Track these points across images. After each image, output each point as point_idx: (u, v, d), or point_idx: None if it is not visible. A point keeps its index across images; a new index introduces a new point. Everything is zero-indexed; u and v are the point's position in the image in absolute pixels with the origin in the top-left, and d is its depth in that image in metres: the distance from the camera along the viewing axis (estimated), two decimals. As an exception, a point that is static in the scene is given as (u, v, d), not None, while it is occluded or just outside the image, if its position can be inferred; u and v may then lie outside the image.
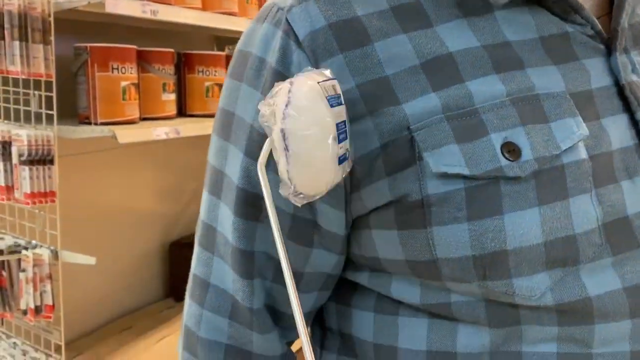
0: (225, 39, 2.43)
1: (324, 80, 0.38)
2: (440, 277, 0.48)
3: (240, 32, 2.15)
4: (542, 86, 0.47)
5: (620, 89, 0.50)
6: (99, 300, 2.10)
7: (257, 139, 0.49)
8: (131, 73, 1.63)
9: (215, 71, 1.93)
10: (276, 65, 0.48)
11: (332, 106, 0.37)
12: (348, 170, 0.40)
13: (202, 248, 0.58)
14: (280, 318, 0.55)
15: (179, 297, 2.34)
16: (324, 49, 0.46)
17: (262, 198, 0.44)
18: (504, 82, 0.46)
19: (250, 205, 0.51)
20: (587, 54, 0.51)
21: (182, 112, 1.88)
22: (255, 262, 0.52)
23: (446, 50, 0.47)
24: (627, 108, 0.50)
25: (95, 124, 1.55)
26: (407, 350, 0.51)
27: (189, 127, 1.73)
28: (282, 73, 0.47)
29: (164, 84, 1.75)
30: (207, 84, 1.91)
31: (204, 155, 2.12)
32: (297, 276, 0.51)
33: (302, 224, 0.52)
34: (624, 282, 0.47)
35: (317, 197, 0.40)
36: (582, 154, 0.45)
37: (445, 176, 0.44)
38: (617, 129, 0.49)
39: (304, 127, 0.36)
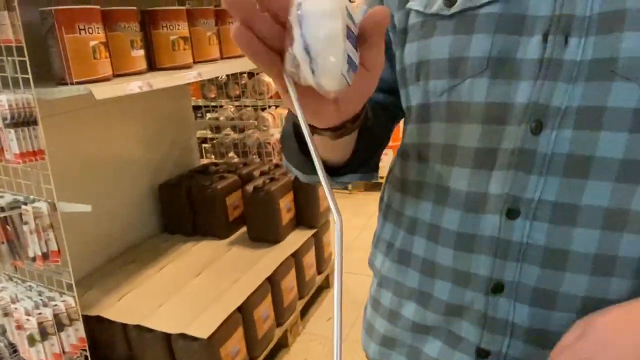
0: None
1: None
2: (405, 84, 0.63)
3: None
4: None
5: None
6: (102, 240, 2.09)
7: None
8: (98, 33, 1.54)
9: (179, 25, 1.83)
10: None
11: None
12: (352, 79, 0.40)
13: None
14: None
15: (173, 231, 2.35)
16: None
17: None
18: None
19: None
20: None
21: (152, 66, 1.80)
22: None
23: None
24: None
25: (71, 83, 1.49)
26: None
27: (160, 80, 1.65)
28: None
29: (132, 41, 1.66)
30: (172, 37, 1.81)
31: (176, 104, 2.07)
32: None
33: None
34: (489, 95, 0.54)
35: (332, 92, 0.40)
36: (495, 8, 0.53)
37: (410, 11, 0.60)
38: (538, 2, 0.52)
39: (322, 8, 0.37)
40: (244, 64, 2.16)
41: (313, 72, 0.38)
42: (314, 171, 0.47)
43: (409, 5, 0.60)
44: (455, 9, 0.55)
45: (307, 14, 0.37)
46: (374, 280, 0.74)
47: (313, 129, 0.50)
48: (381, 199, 0.73)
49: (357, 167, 0.63)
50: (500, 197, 0.54)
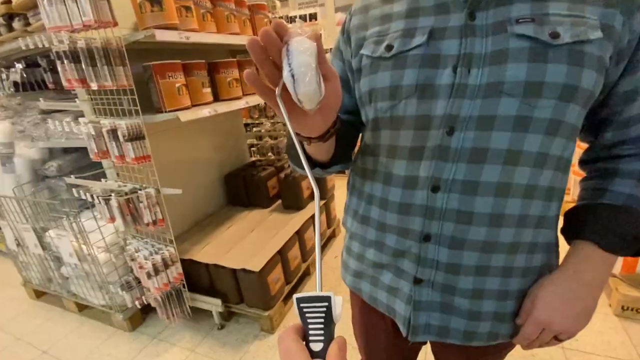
0: (236, 50, 2.27)
1: (307, 37, 0.38)
2: (363, 105, 0.62)
3: (243, 47, 1.99)
4: (421, 24, 0.54)
5: (461, 29, 0.51)
6: (189, 211, 2.10)
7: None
8: (181, 78, 1.53)
9: (232, 71, 1.81)
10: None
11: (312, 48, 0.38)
12: (324, 92, 0.41)
13: None
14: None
15: (234, 204, 2.36)
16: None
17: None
18: (406, 23, 0.55)
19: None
20: (456, 9, 0.52)
21: (216, 98, 1.78)
22: None
23: (390, 10, 0.58)
24: (461, 35, 0.51)
25: (165, 111, 1.47)
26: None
27: (222, 107, 1.64)
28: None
29: (202, 82, 1.65)
30: (228, 79, 1.79)
31: (232, 123, 2.06)
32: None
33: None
34: (418, 110, 0.53)
35: (315, 107, 0.40)
36: (419, 51, 0.52)
37: (363, 56, 0.58)
38: (450, 45, 0.51)
39: (302, 60, 0.37)
40: (276, 95, 2.13)
41: (296, 91, 0.37)
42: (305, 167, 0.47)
43: (362, 52, 0.59)
44: (392, 52, 0.54)
45: (292, 50, 0.37)
46: (346, 235, 0.73)
47: (308, 139, 0.52)
48: (348, 181, 0.72)
49: (338, 161, 0.62)
50: (427, 178, 0.53)
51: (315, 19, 2.83)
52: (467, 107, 0.49)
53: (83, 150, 1.92)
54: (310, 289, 2.01)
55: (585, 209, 0.56)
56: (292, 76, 0.37)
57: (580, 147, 0.62)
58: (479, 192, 0.51)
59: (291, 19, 2.91)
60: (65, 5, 1.23)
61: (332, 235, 2.58)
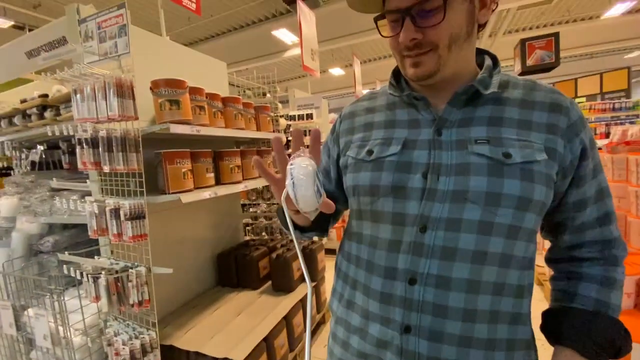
0: (240, 142, 2.48)
1: (308, 157, 0.46)
2: (349, 196, 0.67)
3: (247, 139, 2.18)
4: (397, 135, 0.62)
5: (430, 142, 0.59)
6: (177, 291, 2.02)
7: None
8: (187, 164, 1.63)
9: (235, 159, 1.94)
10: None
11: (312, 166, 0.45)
12: (322, 199, 0.47)
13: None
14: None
15: (224, 284, 2.28)
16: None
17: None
18: (384, 132, 0.63)
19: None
20: (425, 125, 0.60)
21: (218, 182, 1.88)
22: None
23: (372, 119, 0.66)
24: (430, 147, 0.58)
25: (169, 193, 1.54)
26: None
27: (222, 190, 1.73)
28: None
29: (207, 168, 1.76)
30: (230, 166, 1.91)
31: (231, 203, 2.13)
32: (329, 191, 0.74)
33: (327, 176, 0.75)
34: (394, 208, 0.58)
35: (313, 211, 0.47)
36: (394, 158, 0.59)
37: (349, 157, 0.66)
38: (420, 155, 0.58)
39: (301, 172, 0.44)
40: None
41: (297, 200, 0.44)
42: (294, 231, 0.56)
43: (348, 153, 0.67)
44: (372, 157, 0.61)
45: (294, 167, 0.44)
46: (332, 319, 0.73)
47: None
48: (336, 263, 0.74)
49: (315, 229, 0.70)
50: (405, 271, 0.56)
51: (312, 118, 3.17)
52: (437, 209, 0.54)
53: (82, 227, 1.93)
54: (296, 385, 1.82)
55: (560, 312, 0.59)
56: (294, 188, 0.44)
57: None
58: (451, 287, 0.53)
59: (291, 117, 3.24)
60: (95, 102, 1.41)
61: (322, 321, 2.44)
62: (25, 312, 1.71)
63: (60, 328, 1.56)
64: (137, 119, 1.42)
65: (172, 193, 1.54)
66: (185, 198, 1.49)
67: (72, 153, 1.96)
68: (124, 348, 1.42)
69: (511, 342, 0.56)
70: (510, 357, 0.56)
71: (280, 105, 2.59)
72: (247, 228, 3.08)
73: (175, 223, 2.01)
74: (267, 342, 1.70)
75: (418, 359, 0.55)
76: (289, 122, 3.13)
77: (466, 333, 0.54)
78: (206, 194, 1.61)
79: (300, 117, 3.13)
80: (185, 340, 1.64)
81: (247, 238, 2.78)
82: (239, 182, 1.93)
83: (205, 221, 2.26)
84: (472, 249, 0.53)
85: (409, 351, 0.56)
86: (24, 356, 1.77)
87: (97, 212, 1.44)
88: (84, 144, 1.44)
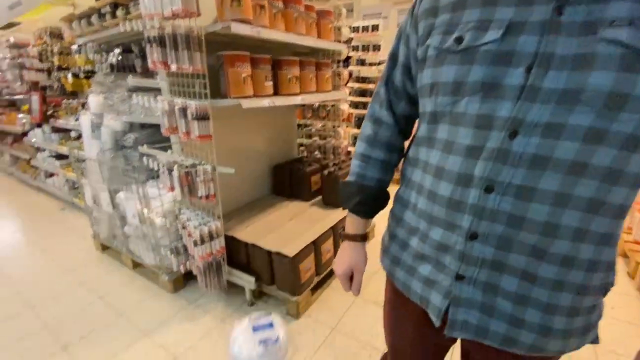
0: (299, 52, 2.33)
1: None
2: (422, 97, 0.58)
3: (306, 49, 2.01)
4: (498, 16, 0.48)
5: (543, 25, 0.45)
6: (237, 194, 2.18)
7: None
8: (247, 69, 1.59)
9: (294, 69, 1.85)
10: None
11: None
12: None
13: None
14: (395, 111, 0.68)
15: (278, 194, 2.40)
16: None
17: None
18: (481, 13, 0.49)
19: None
20: (541, 1, 0.46)
21: (276, 92, 1.83)
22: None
23: None
24: (542, 31, 0.45)
25: (230, 97, 1.54)
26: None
27: (280, 100, 1.70)
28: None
29: (265, 76, 1.70)
30: (289, 76, 1.84)
31: (288, 120, 2.09)
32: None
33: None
34: (480, 110, 0.49)
35: None
36: (492, 46, 0.47)
37: (429, 47, 0.55)
38: (526, 42, 0.45)
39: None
40: (330, 96, 2.15)
41: None
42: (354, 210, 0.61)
43: (428, 42, 0.54)
44: (462, 46, 0.49)
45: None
46: (391, 220, 0.69)
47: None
48: (401, 171, 0.69)
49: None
50: (482, 178, 0.49)
51: (377, 30, 2.82)
52: (536, 112, 0.44)
53: (156, 127, 2.08)
54: (338, 286, 1.97)
55: None
56: None
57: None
58: (534, 199, 0.46)
59: (355, 29, 2.92)
60: (160, -4, 1.35)
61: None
62: (118, 195, 1.99)
63: (145, 210, 1.79)
64: (199, 14, 1.35)
65: (233, 98, 1.53)
66: (245, 103, 1.48)
67: (143, 57, 2.01)
68: (195, 230, 1.61)
69: (593, 263, 0.49)
70: (588, 278, 0.49)
71: (344, 12, 2.31)
72: (301, 148, 3.10)
73: (236, 132, 2.06)
74: (315, 245, 1.80)
75: (481, 264, 0.52)
76: (352, 35, 2.84)
77: (542, 245, 0.48)
78: (265, 102, 1.58)
79: (365, 29, 2.80)
80: (244, 233, 1.81)
81: (301, 156, 2.82)
82: (296, 94, 1.86)
83: (263, 134, 2.30)
84: (570, 158, 0.44)
85: (471, 257, 0.52)
86: (119, 230, 2.12)
87: (167, 109, 1.49)
88: (152, 42, 1.44)
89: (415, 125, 0.67)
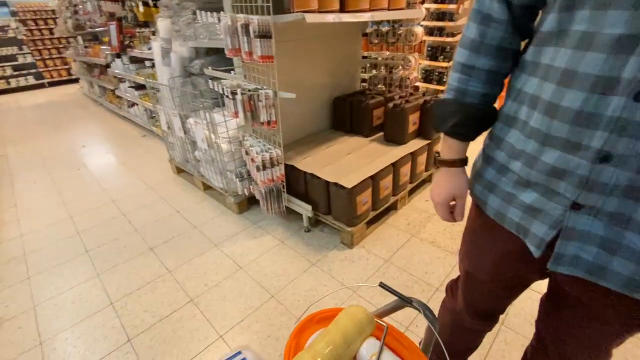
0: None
1: None
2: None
3: None
4: None
5: None
6: (298, 125, 2.16)
7: None
8: (312, -20, 1.41)
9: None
10: None
11: None
12: None
13: None
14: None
15: (337, 128, 2.33)
16: None
17: None
18: None
19: None
20: None
21: (342, 9, 1.64)
22: None
23: None
24: None
25: (293, 12, 1.41)
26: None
27: (346, 17, 1.52)
28: None
29: (331, -10, 1.51)
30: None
31: (352, 48, 1.89)
32: None
33: None
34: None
35: None
36: None
37: None
38: None
39: None
40: (404, 14, 1.87)
41: None
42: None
43: None
44: None
45: None
46: (488, 141, 0.58)
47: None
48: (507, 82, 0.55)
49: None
50: (631, 81, 0.36)
51: None
52: None
53: (221, 54, 2.06)
54: (394, 223, 1.94)
55: None
56: None
57: None
58: None
59: None
60: None
61: (427, 180, 2.38)
62: (188, 120, 2.09)
63: (212, 135, 1.87)
64: None
65: (297, 12, 1.40)
66: (310, 18, 1.35)
67: (206, -26, 1.91)
68: (257, 156, 1.64)
69: None
70: None
71: None
72: (363, 84, 2.88)
73: (297, 62, 1.96)
74: (374, 180, 1.74)
75: (610, 192, 0.41)
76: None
77: None
78: (330, 17, 1.42)
79: None
80: (303, 163, 1.81)
81: (363, 88, 2.63)
82: (364, 11, 1.64)
83: (325, 64, 2.15)
84: None
85: (598, 183, 0.41)
86: (190, 154, 2.28)
87: (230, 24, 1.43)
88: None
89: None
